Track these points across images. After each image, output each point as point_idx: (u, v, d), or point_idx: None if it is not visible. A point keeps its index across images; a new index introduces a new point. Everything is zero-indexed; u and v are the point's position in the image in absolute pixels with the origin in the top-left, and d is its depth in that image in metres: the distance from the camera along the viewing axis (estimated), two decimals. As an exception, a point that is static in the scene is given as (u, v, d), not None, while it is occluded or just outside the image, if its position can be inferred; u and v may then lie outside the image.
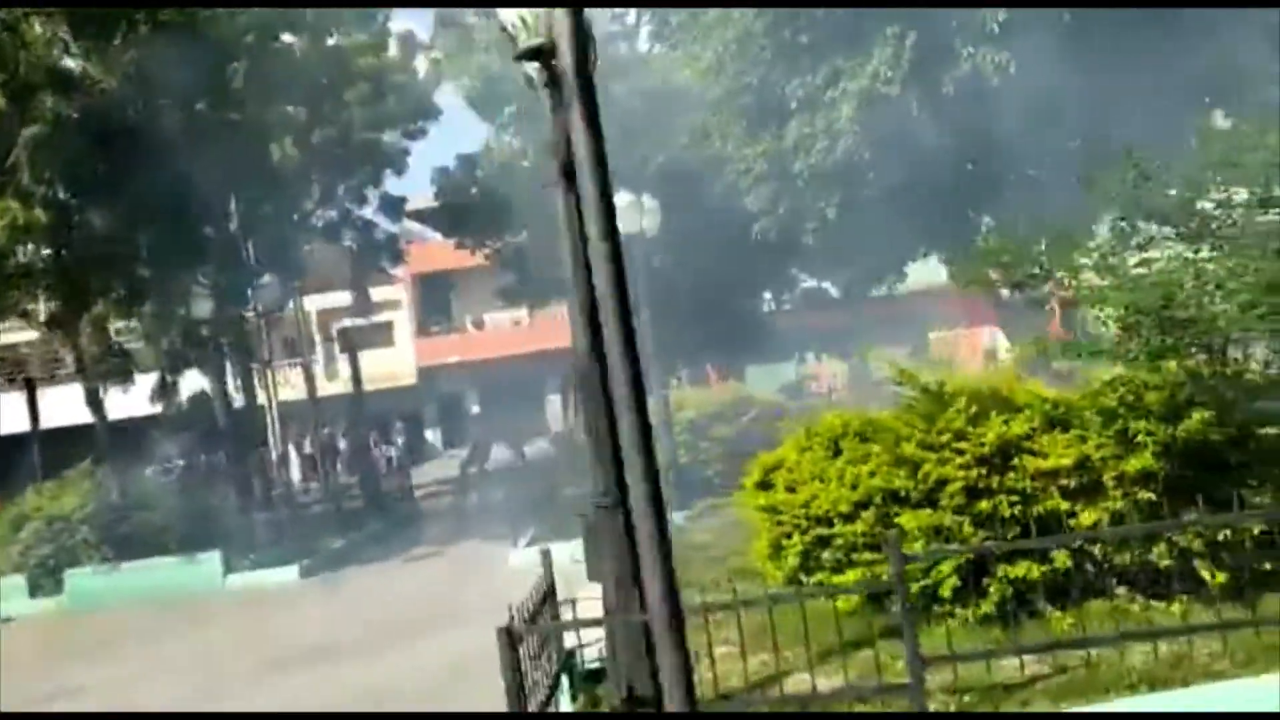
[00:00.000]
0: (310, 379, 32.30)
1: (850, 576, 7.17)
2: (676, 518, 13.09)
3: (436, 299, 45.00)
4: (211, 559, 15.68)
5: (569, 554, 13.98)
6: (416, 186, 29.31)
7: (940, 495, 6.63)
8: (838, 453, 7.49)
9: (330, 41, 22.65)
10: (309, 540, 17.28)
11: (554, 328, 42.54)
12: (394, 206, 27.82)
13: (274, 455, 23.84)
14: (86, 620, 14.86)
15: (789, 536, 7.48)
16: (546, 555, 6.94)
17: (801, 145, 11.86)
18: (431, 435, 43.32)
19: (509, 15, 5.39)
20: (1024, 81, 10.74)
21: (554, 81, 5.61)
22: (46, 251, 17.68)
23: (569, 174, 5.76)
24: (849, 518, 7.13)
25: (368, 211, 27.54)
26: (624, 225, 12.55)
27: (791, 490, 7.49)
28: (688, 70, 13.58)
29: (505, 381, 42.23)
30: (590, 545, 5.96)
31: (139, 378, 21.85)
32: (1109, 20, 10.67)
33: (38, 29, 15.68)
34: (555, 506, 16.20)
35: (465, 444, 43.33)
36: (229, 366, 24.20)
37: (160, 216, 17.04)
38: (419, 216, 34.20)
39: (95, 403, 18.21)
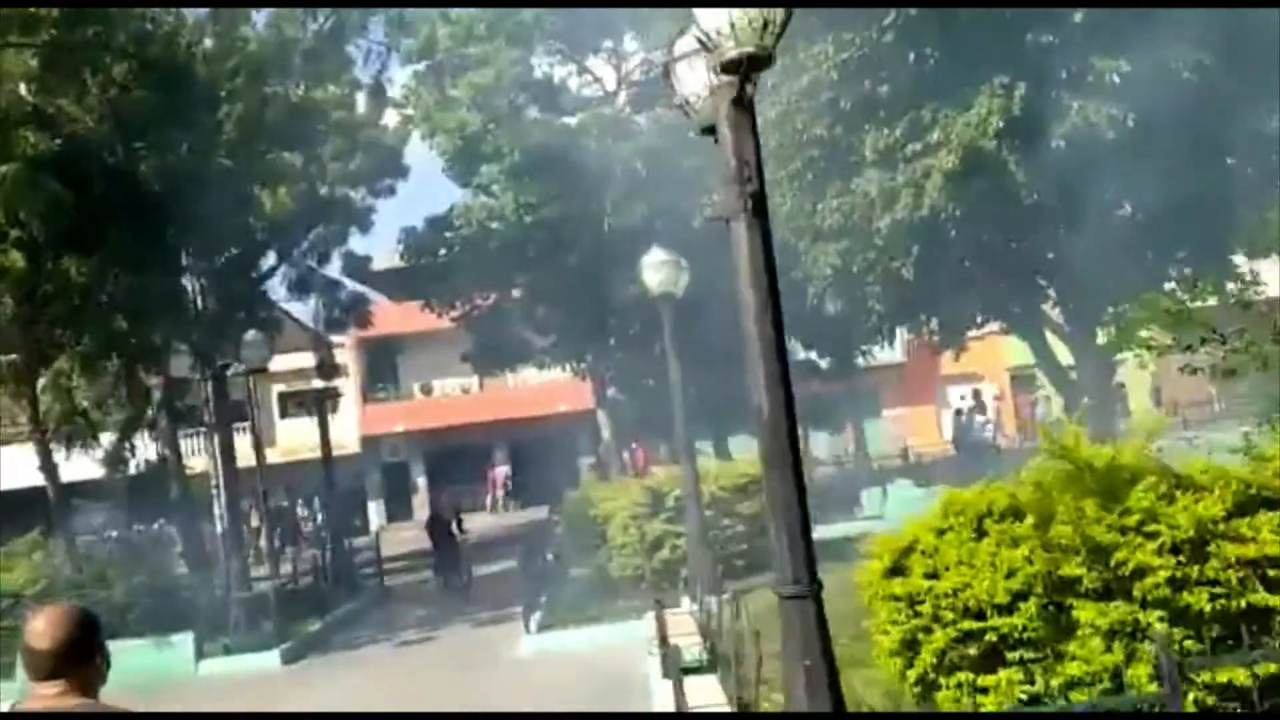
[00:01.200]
0: (259, 447, 30.95)
1: (1004, 677, 6.43)
2: (711, 602, 12.21)
3: (382, 364, 43.67)
4: (184, 642, 14.32)
5: (589, 641, 13.18)
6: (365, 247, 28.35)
7: (1131, 586, 5.95)
8: (981, 534, 6.78)
9: (301, 91, 21.84)
10: (282, 621, 15.91)
11: (504, 397, 41.73)
12: (359, 266, 26.85)
13: (223, 528, 22.44)
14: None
15: (926, 630, 6.72)
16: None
17: (884, 198, 11.27)
18: (375, 508, 41.70)
19: (714, 21, 4.71)
20: (1140, 139, 10.37)
21: (739, 102, 5.02)
22: (7, 299, 16.44)
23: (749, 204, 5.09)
24: (1005, 609, 6.40)
25: (331, 271, 26.58)
26: (659, 284, 11.90)
27: (933, 576, 6.74)
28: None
29: (453, 452, 40.97)
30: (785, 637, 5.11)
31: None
32: (1236, 67, 10.32)
33: (11, 59, 14.64)
34: (556, 587, 15.24)
35: (408, 518, 41.99)
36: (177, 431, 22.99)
37: (137, 267, 15.92)
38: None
39: (49, 467, 16.79)
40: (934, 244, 11.56)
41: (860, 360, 23.50)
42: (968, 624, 6.56)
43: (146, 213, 15.89)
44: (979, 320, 14.17)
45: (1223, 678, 5.65)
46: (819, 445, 31.28)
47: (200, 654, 14.48)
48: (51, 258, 14.98)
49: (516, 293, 26.03)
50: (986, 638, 6.49)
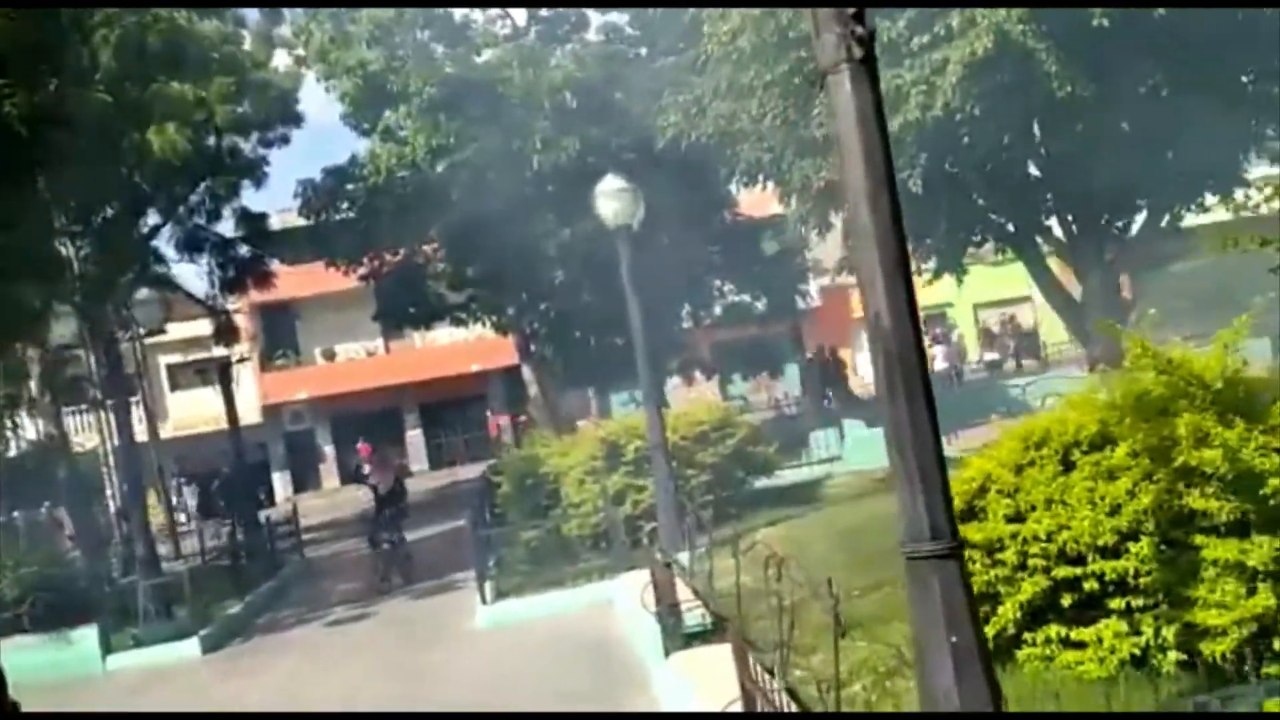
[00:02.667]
0: (153, 421, 28.78)
1: (1107, 628, 5.51)
2: (682, 558, 11.16)
3: (281, 330, 41.39)
4: (87, 636, 12.70)
5: (549, 607, 12.01)
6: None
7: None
8: (1068, 467, 5.82)
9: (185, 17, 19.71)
10: (197, 606, 14.33)
11: (412, 359, 39.98)
12: (255, 224, 24.80)
13: (119, 508, 20.53)
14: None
15: (1008, 581, 5.75)
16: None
17: (888, 100, 10.04)
18: (280, 479, 39.65)
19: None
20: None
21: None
22: None
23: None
24: (1109, 551, 5.46)
25: (224, 230, 24.52)
26: (615, 214, 10.69)
27: (1017, 519, 5.75)
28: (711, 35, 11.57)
29: (361, 417, 39.10)
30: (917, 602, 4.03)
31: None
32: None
33: None
34: (506, 552, 14.02)
35: (316, 488, 40.06)
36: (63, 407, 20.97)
37: (3, 223, 13.96)
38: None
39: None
40: (945, 152, 10.50)
41: (801, 302, 22.75)
42: (1063, 570, 5.61)
43: (11, 160, 13.91)
44: (976, 240, 13.21)
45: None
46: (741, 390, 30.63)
47: (107, 648, 12.89)
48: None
49: (430, 247, 24.47)
50: (1087, 585, 5.56)
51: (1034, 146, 11.34)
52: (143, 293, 14.51)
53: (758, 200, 23.54)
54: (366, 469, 17.28)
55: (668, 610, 7.88)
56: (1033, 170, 11.76)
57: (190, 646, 12.95)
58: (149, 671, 12.25)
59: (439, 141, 19.66)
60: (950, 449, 14.92)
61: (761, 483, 14.72)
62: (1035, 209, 11.80)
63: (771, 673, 5.89)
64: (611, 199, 11.14)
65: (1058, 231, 12.28)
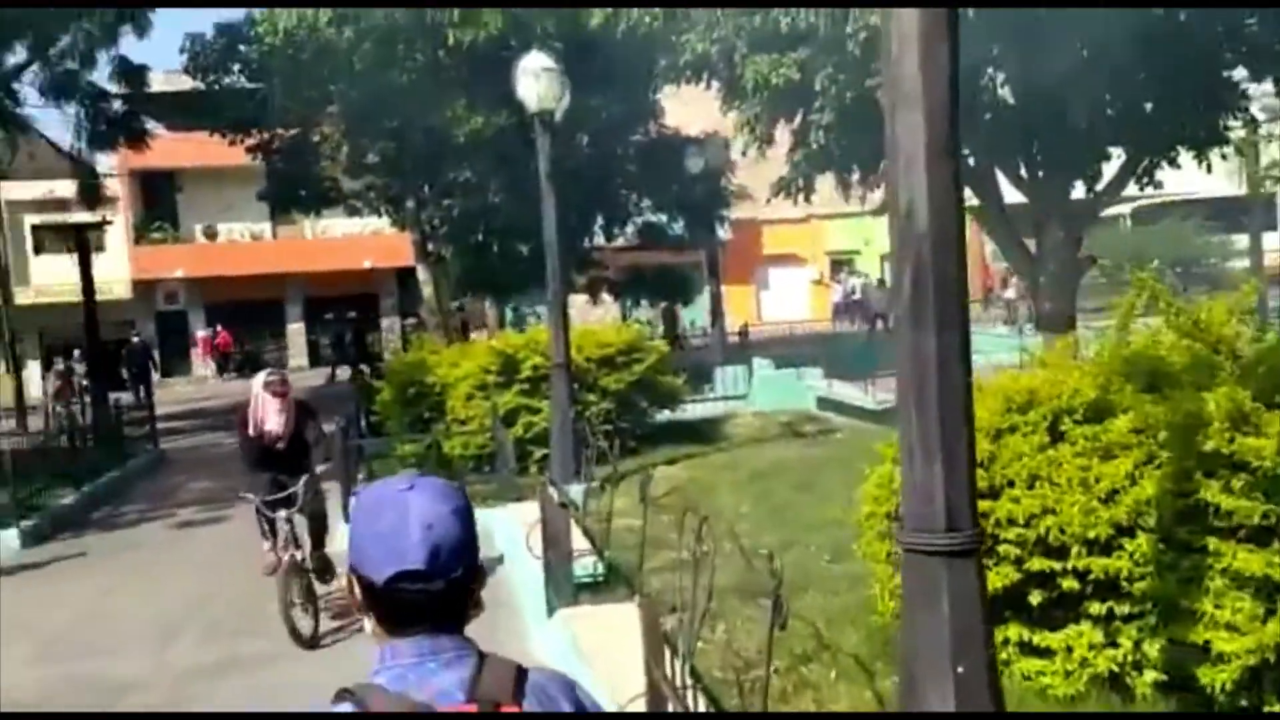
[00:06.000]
0: (4, 283, 26.35)
1: (1080, 635, 4.62)
2: (573, 491, 10.10)
3: (159, 201, 38.61)
4: (-118, 518, 11.08)
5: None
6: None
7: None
8: (1057, 438, 4.87)
9: None
10: (26, 493, 12.75)
11: (301, 248, 37.72)
12: (134, 75, 22.53)
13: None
14: None
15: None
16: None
17: None
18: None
19: None
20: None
21: None
22: None
23: None
24: (1100, 546, 4.54)
25: (98, 79, 22.21)
26: (537, 98, 9.39)
27: (990, 495, 4.78)
28: None
29: (239, 304, 36.88)
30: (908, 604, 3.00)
31: None
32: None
33: None
34: (379, 466, 12.74)
35: (186, 374, 37.79)
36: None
37: None
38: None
39: None
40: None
41: (720, 230, 21.60)
42: (1039, 562, 4.68)
43: None
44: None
45: None
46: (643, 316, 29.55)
47: (-92, 533, 11.30)
48: None
49: (327, 126, 22.52)
50: (1065, 583, 4.65)
51: (1012, 69, 10.28)
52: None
53: (685, 115, 22.32)
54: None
55: (559, 559, 6.77)
56: (1006, 96, 10.72)
57: (8, 538, 11.42)
58: (-50, 564, 10.70)
59: (342, 7, 17.77)
60: (867, 399, 14.04)
61: (664, 415, 13.76)
62: (1002, 142, 10.82)
63: (674, 648, 4.86)
64: (534, 79, 9.75)
65: (1022, 172, 11.34)
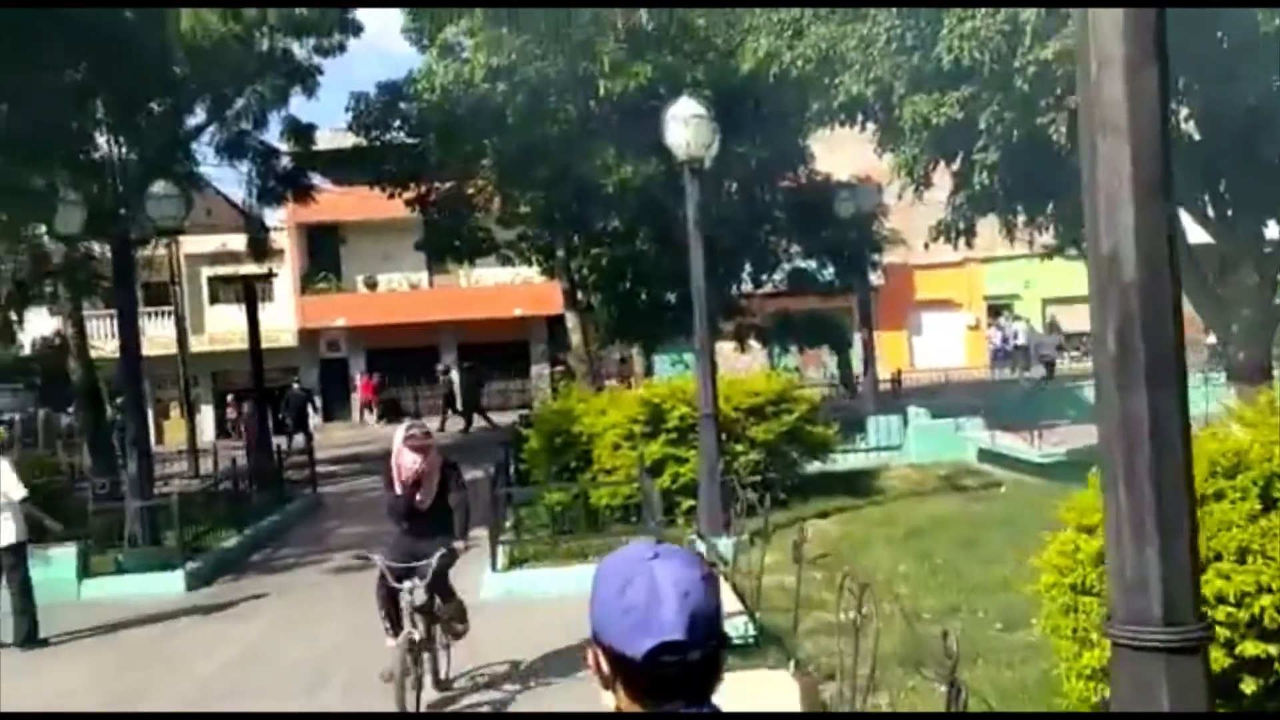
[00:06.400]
0: (182, 332, 27.87)
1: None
2: (721, 545, 9.81)
3: (323, 253, 40.32)
4: (65, 556, 11.60)
5: (569, 582, 10.69)
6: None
7: None
8: (1269, 504, 4.34)
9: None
10: (192, 535, 13.22)
11: (455, 296, 38.73)
12: (303, 134, 23.53)
13: (119, 419, 19.55)
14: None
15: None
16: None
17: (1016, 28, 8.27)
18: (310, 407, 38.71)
19: None
20: None
21: None
22: None
23: None
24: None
25: (268, 138, 23.29)
26: (687, 145, 9.24)
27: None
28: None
29: (397, 352, 38.04)
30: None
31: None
32: None
33: None
34: (525, 514, 12.73)
35: (346, 418, 39.14)
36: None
37: (16, 94, 12.77)
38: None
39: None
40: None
41: (872, 275, 21.08)
42: (1253, 646, 4.16)
43: (30, 26, 12.68)
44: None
45: None
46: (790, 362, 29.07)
47: (86, 571, 11.80)
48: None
49: (481, 178, 23.08)
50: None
51: (1197, 101, 9.59)
52: (159, 185, 13.20)
53: (834, 160, 21.96)
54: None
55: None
56: (1191, 131, 10.01)
57: (174, 580, 11.81)
58: (123, 604, 11.10)
59: (500, 61, 18.15)
60: (1033, 451, 13.21)
61: (814, 466, 13.34)
62: (1188, 179, 10.07)
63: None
64: (684, 126, 9.64)
65: (1209, 211, 10.57)
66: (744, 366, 20.94)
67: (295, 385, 30.17)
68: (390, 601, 7.07)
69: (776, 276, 21.51)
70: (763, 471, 11.78)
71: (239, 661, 9.02)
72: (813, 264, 21.55)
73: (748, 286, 21.38)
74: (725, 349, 22.24)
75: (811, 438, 12.64)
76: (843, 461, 14.43)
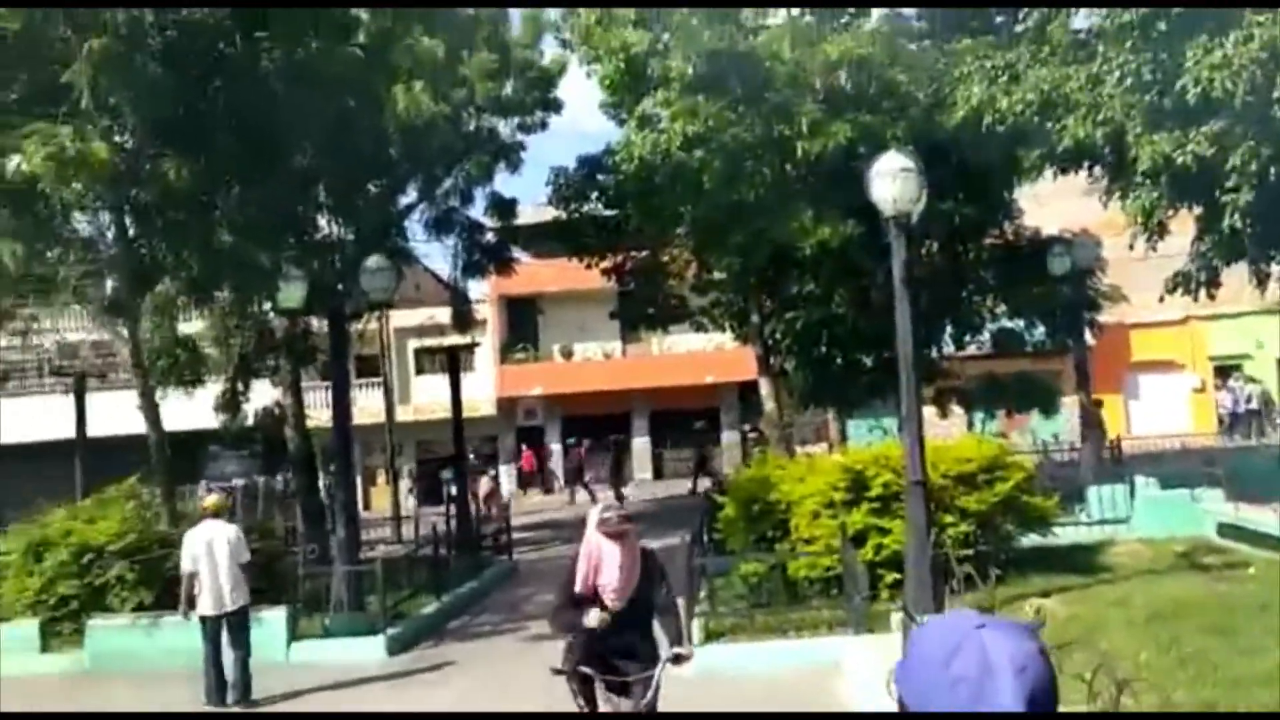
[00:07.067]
0: (390, 402, 29.08)
1: None
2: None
3: (522, 323, 41.48)
4: (276, 619, 11.98)
5: (770, 659, 10.24)
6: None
7: None
8: None
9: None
10: (394, 601, 13.44)
11: (647, 364, 39.00)
12: (506, 208, 24.30)
13: (330, 487, 20.34)
14: (105, 686, 11.26)
15: None
16: None
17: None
18: (506, 472, 39.56)
19: None
20: None
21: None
22: (107, 216, 14.49)
23: None
24: None
25: (473, 213, 24.17)
26: (894, 200, 8.80)
27: None
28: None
29: (591, 419, 38.49)
30: None
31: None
32: None
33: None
34: (721, 586, 12.30)
35: (539, 486, 39.76)
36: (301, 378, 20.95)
37: (250, 178, 13.62)
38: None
39: (150, 407, 14.75)
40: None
41: (1089, 336, 19.78)
42: None
43: (265, 115, 13.53)
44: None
45: None
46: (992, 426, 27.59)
47: (294, 634, 12.15)
48: (149, 158, 12.76)
49: (676, 246, 23.19)
50: None
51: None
52: (373, 260, 13.74)
53: (1042, 215, 20.91)
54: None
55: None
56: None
57: (375, 645, 12.01)
58: (326, 667, 11.33)
59: (696, 128, 18.20)
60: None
61: (1029, 540, 12.40)
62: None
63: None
64: (890, 180, 9.22)
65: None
66: (943, 432, 19.94)
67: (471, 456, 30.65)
68: (588, 698, 5.83)
69: (981, 337, 20.52)
70: (974, 544, 11.00)
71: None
72: (1020, 323, 20.46)
73: (949, 348, 20.48)
74: (926, 414, 21.25)
75: (1029, 509, 11.74)
76: (1063, 535, 13.36)
